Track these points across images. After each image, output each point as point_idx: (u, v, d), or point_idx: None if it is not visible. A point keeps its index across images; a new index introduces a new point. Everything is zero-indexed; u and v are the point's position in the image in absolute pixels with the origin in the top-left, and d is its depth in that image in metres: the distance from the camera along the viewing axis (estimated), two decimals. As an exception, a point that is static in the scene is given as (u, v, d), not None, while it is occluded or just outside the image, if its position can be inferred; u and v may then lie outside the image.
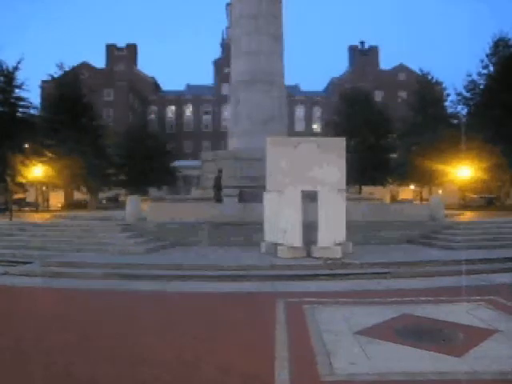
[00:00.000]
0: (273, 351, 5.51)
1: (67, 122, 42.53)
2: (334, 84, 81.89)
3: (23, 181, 40.07)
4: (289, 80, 27.11)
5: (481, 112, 38.95)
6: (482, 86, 41.36)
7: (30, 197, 48.30)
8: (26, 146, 38.96)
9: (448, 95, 48.07)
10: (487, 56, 40.88)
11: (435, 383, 4.67)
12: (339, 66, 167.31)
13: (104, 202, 50.02)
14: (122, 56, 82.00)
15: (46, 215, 26.76)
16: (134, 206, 16.45)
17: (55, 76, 47.21)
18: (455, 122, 45.88)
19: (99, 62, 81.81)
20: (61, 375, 4.89)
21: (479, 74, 41.50)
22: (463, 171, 39.70)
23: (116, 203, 43.58)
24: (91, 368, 5.11)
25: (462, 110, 45.51)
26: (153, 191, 52.68)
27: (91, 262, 11.71)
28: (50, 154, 41.40)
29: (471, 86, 42.04)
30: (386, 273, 10.77)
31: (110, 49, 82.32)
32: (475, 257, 12.34)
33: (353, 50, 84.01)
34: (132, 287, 9.70)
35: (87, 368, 5.11)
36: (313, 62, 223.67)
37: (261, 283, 10.07)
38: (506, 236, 15.45)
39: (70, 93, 44.80)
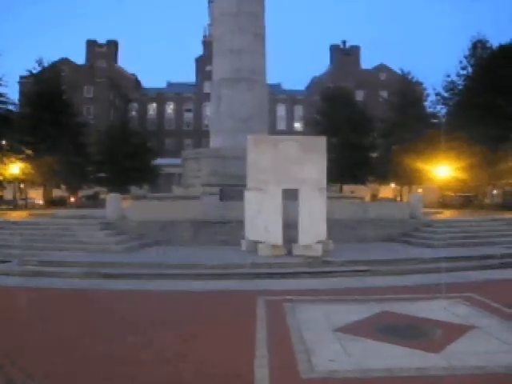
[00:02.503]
0: (253, 349, 5.52)
1: (46, 118, 41.82)
2: (315, 83, 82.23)
3: (0, 178, 39.34)
4: (271, 79, 27.22)
5: (459, 112, 39.60)
6: (460, 87, 42.08)
7: (8, 194, 47.45)
8: (4, 142, 38.23)
9: (428, 95, 48.81)
10: (465, 57, 41.62)
11: (414, 379, 4.73)
12: (321, 65, 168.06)
13: (84, 200, 49.36)
14: (103, 52, 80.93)
15: (24, 213, 26.32)
16: (115, 204, 16.28)
17: (34, 72, 46.40)
18: (435, 121, 46.60)
19: (79, 58, 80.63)
20: (39, 376, 4.82)
21: (458, 75, 42.24)
22: (442, 170, 40.30)
23: (96, 201, 43.02)
24: (70, 368, 5.06)
25: (442, 110, 46.32)
26: (134, 189, 52.21)
27: (71, 261, 11.57)
28: (28, 151, 40.74)
29: (450, 86, 42.76)
30: (366, 271, 10.87)
31: (91, 45, 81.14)
32: (453, 254, 12.57)
33: (334, 49, 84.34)
34: (113, 286, 9.63)
35: (66, 368, 5.05)
36: (295, 61, 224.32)
37: (241, 281, 10.09)
38: (483, 234, 15.78)
39: (50, 89, 44.06)
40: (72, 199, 50.18)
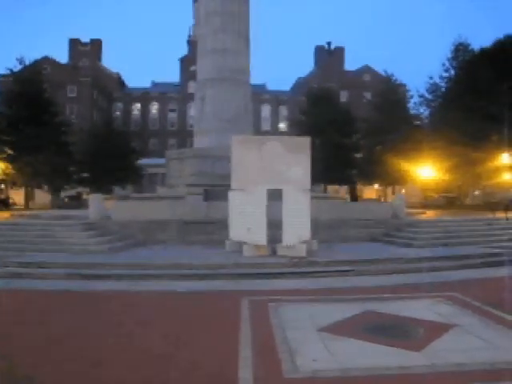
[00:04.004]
0: (237, 349, 5.52)
1: (27, 117, 41.16)
2: (300, 84, 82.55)
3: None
4: (256, 79, 27.29)
5: (442, 113, 40.11)
6: (443, 89, 42.67)
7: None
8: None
9: (411, 97, 49.35)
10: (448, 60, 42.22)
11: (396, 377, 4.77)
12: (306, 66, 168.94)
13: (66, 200, 48.75)
14: (87, 51, 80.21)
15: (5, 214, 25.90)
16: (97, 204, 16.13)
17: (15, 70, 45.64)
18: (418, 123, 47.13)
19: (62, 56, 79.77)
20: (22, 378, 4.75)
21: (441, 77, 42.84)
22: (425, 171, 40.75)
23: (78, 202, 42.52)
24: (55, 369, 4.99)
25: (425, 112, 46.90)
26: (117, 190, 51.79)
27: (53, 262, 11.40)
28: (9, 151, 40.13)
29: (433, 88, 43.34)
30: (349, 270, 10.93)
31: (74, 43, 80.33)
32: (435, 254, 12.74)
33: (319, 50, 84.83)
34: (95, 287, 9.52)
35: (51, 370, 4.99)
36: (279, 62, 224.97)
37: (226, 282, 10.06)
38: (465, 234, 16.01)
39: (31, 88, 43.34)
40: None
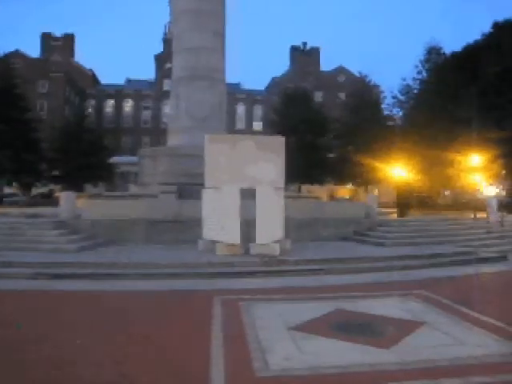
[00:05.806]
0: (208, 348, 5.49)
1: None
2: (275, 83, 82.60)
3: None
4: (230, 78, 27.16)
5: (414, 115, 40.88)
6: (415, 91, 43.51)
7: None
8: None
9: (385, 98, 50.12)
10: (421, 62, 43.08)
11: (365, 374, 4.82)
12: (281, 66, 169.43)
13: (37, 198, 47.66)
14: (59, 46, 78.49)
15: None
16: (68, 202, 15.82)
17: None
18: (391, 123, 47.91)
19: (34, 51, 77.95)
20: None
21: (413, 79, 43.69)
22: (397, 171, 41.33)
23: (50, 199, 41.65)
24: (13, 372, 4.86)
25: (398, 113, 47.73)
26: (89, 187, 50.94)
27: (20, 261, 11.09)
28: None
29: (406, 89, 44.16)
30: (320, 269, 11.01)
31: (46, 38, 78.52)
32: (405, 253, 12.96)
33: (294, 50, 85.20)
34: (64, 287, 9.31)
35: (12, 372, 4.86)
36: (255, 62, 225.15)
37: (198, 281, 10.00)
38: (434, 233, 16.36)
39: (1, 82, 42.24)
40: None
